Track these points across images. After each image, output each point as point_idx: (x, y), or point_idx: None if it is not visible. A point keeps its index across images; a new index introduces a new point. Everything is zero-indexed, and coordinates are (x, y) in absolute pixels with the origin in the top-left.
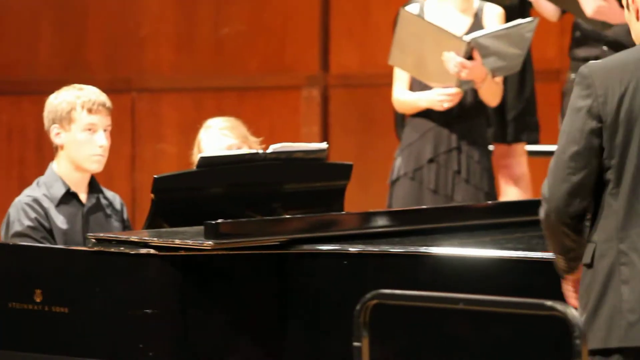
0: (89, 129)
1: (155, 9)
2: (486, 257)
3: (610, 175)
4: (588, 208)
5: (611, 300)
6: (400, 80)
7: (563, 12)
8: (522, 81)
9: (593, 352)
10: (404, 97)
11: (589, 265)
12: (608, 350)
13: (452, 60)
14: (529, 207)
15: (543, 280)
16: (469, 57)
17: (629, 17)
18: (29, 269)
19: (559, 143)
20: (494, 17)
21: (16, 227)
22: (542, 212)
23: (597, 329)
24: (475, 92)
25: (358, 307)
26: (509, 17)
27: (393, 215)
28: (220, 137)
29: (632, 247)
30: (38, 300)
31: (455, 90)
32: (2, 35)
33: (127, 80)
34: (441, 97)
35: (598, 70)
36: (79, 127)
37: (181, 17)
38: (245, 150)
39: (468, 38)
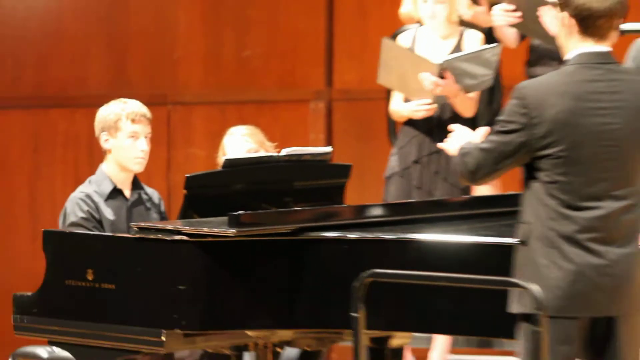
0: (132, 136)
1: (187, 34)
2: (463, 242)
3: (546, 173)
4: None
5: (543, 276)
6: (394, 93)
7: (522, 38)
8: (491, 95)
9: (523, 317)
10: (395, 107)
11: (524, 243)
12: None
13: (427, 79)
14: (498, 200)
15: (510, 261)
16: (444, 76)
17: (561, 33)
18: (82, 253)
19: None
20: (474, 42)
21: (71, 218)
22: (465, 178)
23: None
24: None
25: (356, 284)
26: (490, 41)
27: (385, 207)
28: (241, 142)
29: (559, 234)
30: (90, 278)
31: (428, 103)
32: (59, 56)
33: (163, 95)
34: (417, 108)
35: (534, 88)
36: (124, 135)
37: (209, 42)
38: (262, 153)
39: (440, 61)
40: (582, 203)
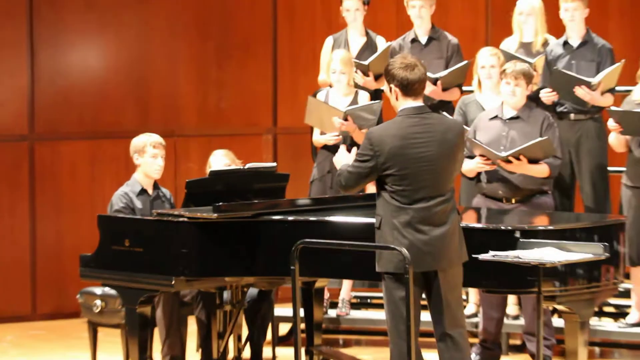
0: (153, 157)
1: (186, 91)
2: (358, 222)
3: (388, 185)
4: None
5: (389, 250)
6: (316, 129)
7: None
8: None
9: (387, 274)
10: (315, 138)
11: (378, 228)
12: (395, 274)
13: (336, 121)
14: None
15: None
16: (347, 119)
17: (389, 96)
18: (122, 229)
19: (353, 165)
20: (364, 98)
21: (115, 207)
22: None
23: (385, 262)
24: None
25: (293, 248)
26: (375, 98)
27: (310, 200)
28: (221, 159)
29: (399, 223)
30: (127, 244)
31: (336, 135)
32: (106, 102)
33: (171, 130)
34: (329, 138)
35: (378, 133)
36: (149, 155)
37: (200, 96)
38: (234, 166)
39: (344, 109)
40: (411, 202)
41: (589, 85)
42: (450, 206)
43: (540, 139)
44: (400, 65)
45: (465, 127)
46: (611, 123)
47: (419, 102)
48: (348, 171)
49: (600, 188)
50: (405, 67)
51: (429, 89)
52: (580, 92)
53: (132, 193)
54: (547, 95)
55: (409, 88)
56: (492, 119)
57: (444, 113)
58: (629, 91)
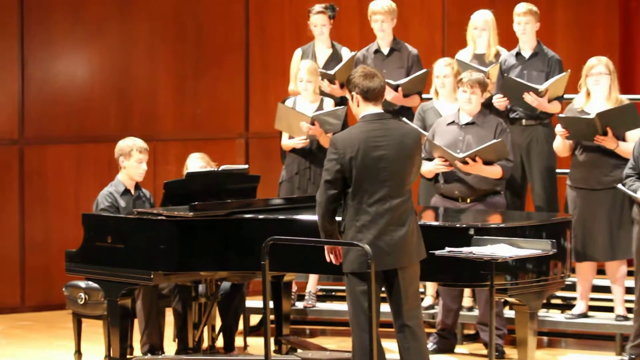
0: (138, 161)
1: (164, 100)
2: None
3: (350, 187)
4: (338, 207)
5: (354, 249)
6: (284, 134)
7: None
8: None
9: (352, 273)
10: (284, 142)
11: (342, 232)
12: (359, 273)
13: (304, 126)
14: None
15: None
16: (314, 124)
17: (351, 103)
18: (106, 226)
19: (323, 175)
20: (329, 105)
21: (100, 206)
22: (317, 210)
23: (349, 263)
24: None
25: (263, 245)
26: (339, 104)
27: (280, 200)
28: (197, 162)
29: (361, 225)
30: (109, 241)
31: (304, 139)
32: (91, 109)
33: (151, 135)
34: (297, 142)
35: (341, 137)
36: (134, 160)
37: (177, 103)
38: (208, 168)
39: (311, 115)
40: (372, 203)
41: (536, 92)
42: (409, 207)
43: (494, 141)
44: (360, 74)
45: (423, 132)
46: (559, 128)
47: (378, 109)
48: (322, 182)
49: (549, 188)
50: (366, 76)
51: (391, 95)
52: (529, 98)
53: (116, 193)
54: (499, 101)
55: (370, 95)
56: (449, 124)
57: (404, 119)
58: (572, 99)
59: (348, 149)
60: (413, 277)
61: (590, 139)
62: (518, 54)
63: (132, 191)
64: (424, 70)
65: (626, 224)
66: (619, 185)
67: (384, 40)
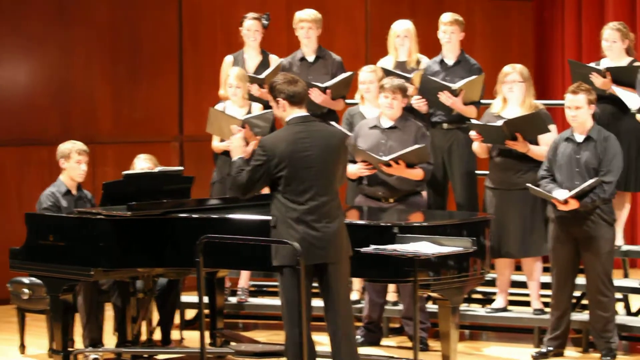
0: (77, 162)
1: (103, 104)
2: (256, 219)
3: (280, 186)
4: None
5: (287, 245)
6: (215, 137)
7: None
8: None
9: (283, 267)
10: (215, 145)
11: (274, 227)
12: (289, 267)
13: (235, 129)
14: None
15: None
16: (244, 126)
17: (276, 109)
18: (48, 225)
19: (248, 172)
20: (257, 109)
21: (43, 205)
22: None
23: (280, 257)
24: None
25: (197, 242)
26: (267, 107)
27: (212, 200)
28: (143, 163)
29: (291, 220)
30: (51, 239)
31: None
32: (31, 113)
33: (91, 136)
34: (227, 144)
35: (270, 140)
36: (73, 161)
37: (116, 107)
38: (146, 170)
39: (241, 118)
40: (301, 200)
41: (450, 90)
42: (336, 205)
43: (417, 146)
44: (284, 80)
45: (348, 132)
46: (472, 133)
47: (304, 112)
48: (246, 178)
49: (470, 189)
50: (289, 82)
51: (320, 97)
52: (443, 97)
53: (58, 193)
54: (417, 102)
55: (295, 99)
56: (371, 127)
57: (333, 123)
58: (490, 104)
59: (277, 150)
60: (343, 272)
61: (502, 143)
62: (442, 62)
63: (74, 192)
64: (350, 72)
65: (538, 223)
66: (530, 185)
67: (308, 48)
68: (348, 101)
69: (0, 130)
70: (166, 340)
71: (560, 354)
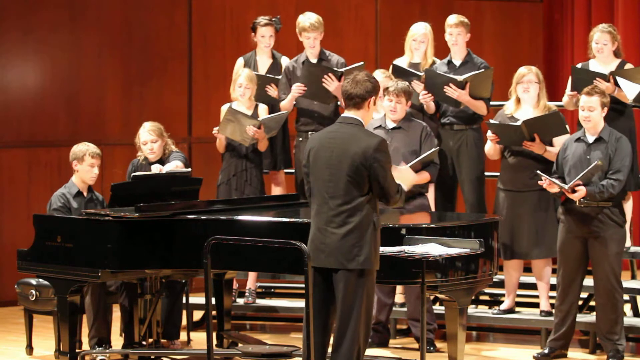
0: (90, 165)
1: (112, 109)
2: (264, 220)
3: (308, 190)
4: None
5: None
6: (217, 139)
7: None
8: (283, 138)
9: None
10: (217, 144)
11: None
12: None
13: (250, 130)
14: (286, 198)
15: (294, 231)
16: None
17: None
18: (56, 226)
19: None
20: (263, 111)
21: (53, 206)
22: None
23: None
24: (256, 143)
25: (205, 244)
26: (274, 111)
27: (220, 202)
28: (147, 134)
29: (311, 219)
30: (59, 240)
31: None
32: (41, 116)
33: (98, 139)
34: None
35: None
36: (86, 164)
37: (125, 113)
38: (154, 172)
39: (260, 119)
40: (317, 201)
41: (456, 82)
42: (351, 211)
43: (432, 150)
44: (347, 80)
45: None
46: (490, 134)
47: (352, 114)
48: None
49: (478, 190)
50: (350, 82)
51: (332, 85)
52: (449, 90)
53: (69, 194)
54: (424, 97)
55: (347, 100)
56: (376, 128)
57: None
58: (502, 105)
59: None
60: (345, 283)
61: (519, 144)
62: (449, 62)
63: (85, 193)
64: (361, 63)
65: (550, 224)
66: (540, 172)
67: (312, 52)
68: None
69: (9, 132)
70: (173, 342)
71: (563, 355)
